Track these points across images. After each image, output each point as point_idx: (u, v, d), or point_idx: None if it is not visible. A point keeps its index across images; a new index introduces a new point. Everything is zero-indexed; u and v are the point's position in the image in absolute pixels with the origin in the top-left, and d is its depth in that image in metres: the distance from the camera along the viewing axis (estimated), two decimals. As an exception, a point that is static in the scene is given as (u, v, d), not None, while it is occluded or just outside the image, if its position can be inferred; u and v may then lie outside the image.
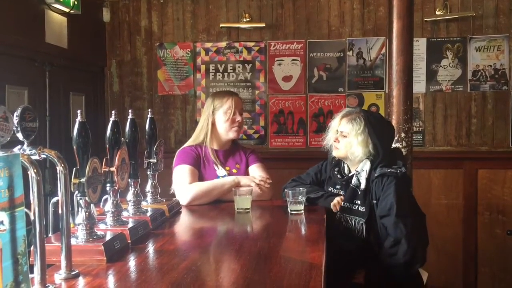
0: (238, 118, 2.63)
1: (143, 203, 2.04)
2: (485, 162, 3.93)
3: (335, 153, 2.39)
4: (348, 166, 2.40)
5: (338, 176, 2.40)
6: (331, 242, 1.84)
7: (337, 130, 2.39)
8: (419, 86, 3.95)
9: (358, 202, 2.27)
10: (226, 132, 2.63)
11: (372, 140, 2.28)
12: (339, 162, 2.44)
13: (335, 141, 2.37)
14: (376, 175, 2.24)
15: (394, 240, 2.16)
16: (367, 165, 2.28)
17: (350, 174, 2.35)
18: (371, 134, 2.28)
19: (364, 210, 2.24)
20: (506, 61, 3.92)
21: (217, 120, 2.63)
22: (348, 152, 2.32)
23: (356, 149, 2.29)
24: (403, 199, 2.19)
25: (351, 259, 2.26)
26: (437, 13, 3.91)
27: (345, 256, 2.22)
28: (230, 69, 4.14)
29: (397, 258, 2.14)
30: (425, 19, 3.95)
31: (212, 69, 4.15)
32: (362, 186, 2.27)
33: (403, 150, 2.80)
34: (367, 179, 2.26)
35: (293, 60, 4.08)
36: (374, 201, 2.24)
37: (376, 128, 2.31)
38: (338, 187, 2.41)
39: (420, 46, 3.95)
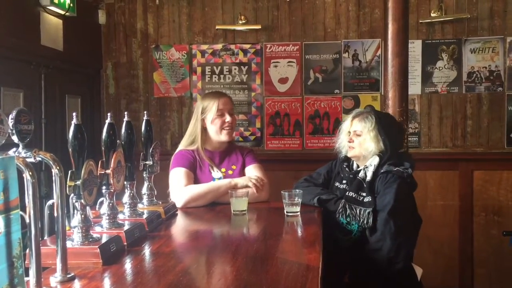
0: (228, 119, 2.60)
1: (139, 205, 2.04)
2: (481, 163, 3.95)
3: (350, 153, 2.45)
4: (357, 164, 2.46)
5: (347, 169, 2.46)
6: (327, 238, 1.85)
7: (349, 132, 2.46)
8: (415, 87, 3.96)
9: (364, 194, 2.29)
10: (217, 135, 2.62)
11: (382, 137, 2.36)
12: (349, 158, 2.49)
13: (349, 142, 2.44)
14: (382, 171, 2.30)
15: (381, 235, 2.19)
16: (375, 160, 2.34)
17: (358, 169, 2.41)
18: (380, 131, 2.37)
19: (370, 199, 2.26)
20: (501, 62, 3.94)
21: (207, 123, 2.62)
22: (362, 149, 2.39)
23: (369, 144, 2.37)
24: (401, 199, 2.22)
25: (344, 258, 2.27)
26: (432, 15, 3.92)
27: (338, 255, 2.23)
28: (226, 71, 4.14)
29: (382, 254, 2.19)
30: (420, 21, 3.96)
31: (208, 71, 4.15)
32: (368, 178, 2.31)
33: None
34: (374, 173, 2.31)
35: (289, 62, 4.09)
36: (376, 195, 2.28)
37: (386, 125, 2.40)
38: (344, 182, 2.44)
39: (415, 47, 3.97)
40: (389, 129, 2.41)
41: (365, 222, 2.25)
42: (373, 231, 2.24)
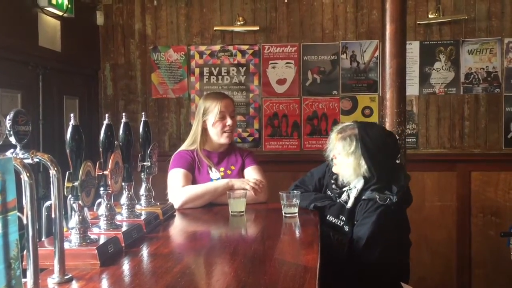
0: (229, 122, 2.60)
1: (137, 206, 2.04)
2: (478, 165, 3.95)
3: (334, 170, 2.31)
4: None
5: (333, 186, 2.32)
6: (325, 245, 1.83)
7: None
8: (412, 88, 3.97)
9: (344, 219, 2.17)
10: (217, 137, 2.62)
11: (366, 163, 2.12)
12: None
13: (333, 158, 2.28)
14: (363, 197, 2.13)
15: (355, 267, 2.10)
16: (360, 183, 2.16)
17: (343, 189, 2.25)
18: (364, 156, 2.12)
19: (347, 229, 2.13)
20: (498, 63, 3.95)
21: (208, 124, 2.62)
22: (339, 172, 2.25)
23: (345, 170, 2.18)
24: (377, 232, 2.06)
25: (337, 271, 2.15)
26: (430, 16, 3.93)
27: (333, 264, 2.17)
28: (224, 72, 4.14)
29: (361, 275, 2.10)
30: (418, 22, 3.97)
31: (206, 72, 4.15)
32: (349, 204, 2.16)
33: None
34: (356, 198, 2.15)
35: (287, 63, 4.09)
36: (355, 222, 2.14)
37: (370, 149, 2.13)
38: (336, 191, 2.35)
39: (413, 49, 3.97)
40: (375, 153, 2.13)
41: (338, 253, 2.12)
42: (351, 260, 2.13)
